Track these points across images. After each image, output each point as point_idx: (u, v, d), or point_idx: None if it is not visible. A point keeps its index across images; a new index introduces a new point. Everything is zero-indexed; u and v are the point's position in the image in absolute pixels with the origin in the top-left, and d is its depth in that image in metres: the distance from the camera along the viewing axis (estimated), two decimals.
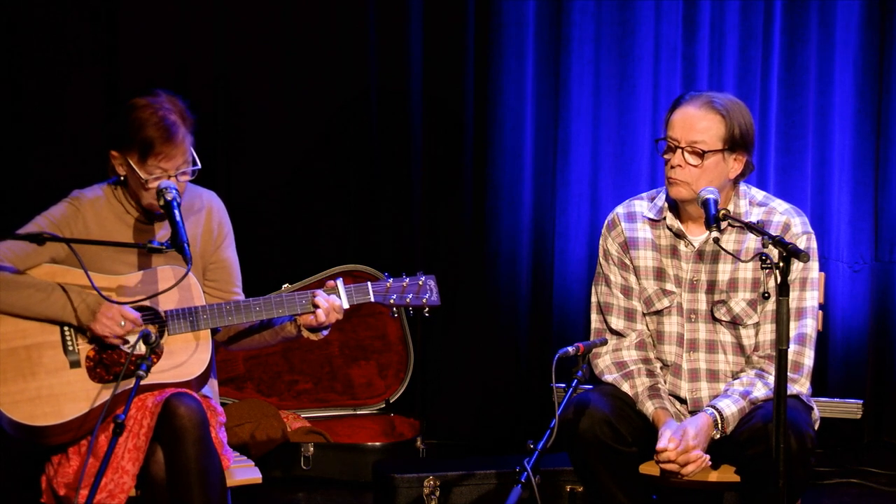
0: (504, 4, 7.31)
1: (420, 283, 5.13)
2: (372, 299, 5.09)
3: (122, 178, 5.03)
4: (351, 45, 7.38)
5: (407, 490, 6.20)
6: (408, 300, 5.12)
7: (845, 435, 7.19)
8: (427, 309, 5.15)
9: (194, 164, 5.01)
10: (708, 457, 4.89)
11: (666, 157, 5.05)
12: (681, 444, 4.85)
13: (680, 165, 5.00)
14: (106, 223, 5.05)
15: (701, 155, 4.97)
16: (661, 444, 4.87)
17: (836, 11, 7.14)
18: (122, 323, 4.89)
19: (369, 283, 5.10)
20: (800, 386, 5.05)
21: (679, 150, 5.00)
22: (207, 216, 5.14)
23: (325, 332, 5.10)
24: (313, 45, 7.37)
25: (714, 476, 5.02)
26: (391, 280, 5.12)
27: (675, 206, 5.16)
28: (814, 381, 5.21)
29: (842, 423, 6.68)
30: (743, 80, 7.19)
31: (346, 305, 5.06)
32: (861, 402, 6.58)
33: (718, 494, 5.51)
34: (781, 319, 4.48)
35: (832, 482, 6.90)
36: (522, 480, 4.50)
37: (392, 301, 5.10)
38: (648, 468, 5.03)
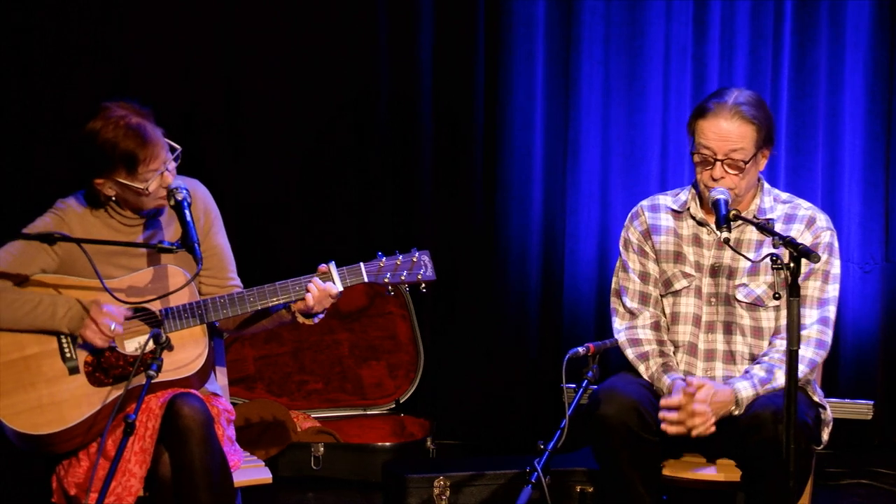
0: (514, 5, 7.31)
1: (414, 259, 5.07)
2: (365, 279, 5.02)
3: (112, 198, 5.01)
4: (361, 45, 7.38)
5: (417, 490, 6.20)
6: (402, 277, 5.04)
7: (856, 436, 7.18)
8: (423, 285, 5.07)
9: (173, 150, 4.99)
10: (713, 419, 4.90)
11: (700, 168, 5.10)
12: (689, 390, 4.89)
13: (722, 177, 5.06)
14: (93, 230, 5.03)
15: (742, 167, 5.03)
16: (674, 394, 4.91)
17: (847, 12, 7.14)
18: (113, 326, 4.88)
19: (362, 264, 5.03)
20: (821, 359, 5.11)
21: (718, 163, 5.05)
22: (192, 204, 5.07)
23: (319, 318, 5.06)
24: (323, 46, 7.36)
25: (719, 475, 5.03)
26: (384, 258, 5.05)
27: (700, 199, 5.21)
28: (824, 381, 5.23)
29: (852, 424, 6.65)
30: (753, 80, 7.19)
31: (340, 288, 5.00)
32: (872, 402, 6.56)
33: (729, 495, 5.50)
34: (792, 321, 4.47)
35: (843, 483, 6.89)
36: (533, 481, 4.51)
37: (386, 280, 5.03)
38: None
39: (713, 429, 4.92)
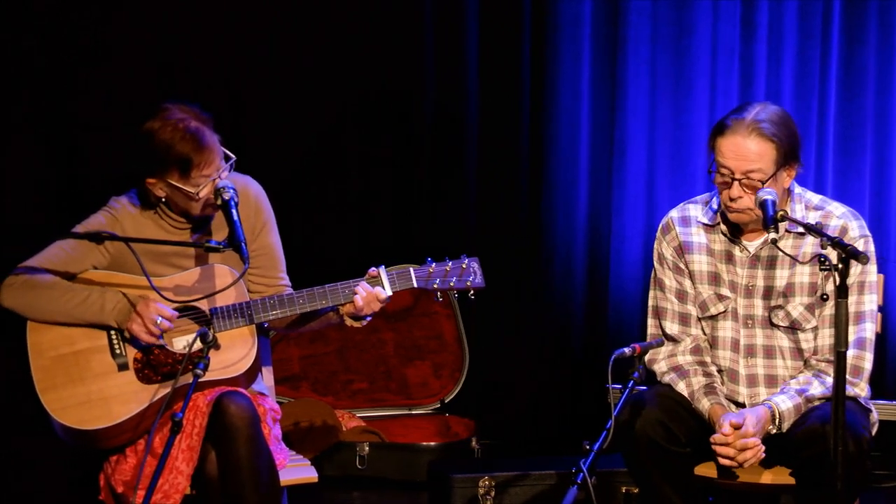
0: (560, 5, 7.31)
1: (463, 265, 5.07)
2: (415, 284, 5.03)
3: (162, 199, 5.03)
4: (407, 46, 7.39)
5: (462, 490, 6.20)
6: (451, 283, 5.04)
7: None
8: (472, 291, 5.08)
9: (227, 158, 5.00)
10: (763, 447, 4.87)
11: (721, 187, 5.01)
12: (741, 427, 4.85)
13: (740, 196, 4.96)
14: (145, 229, 5.05)
15: (759, 187, 4.92)
16: (721, 430, 4.86)
17: None
18: (159, 321, 4.90)
19: (411, 269, 5.04)
20: (859, 389, 5.03)
21: (735, 183, 4.95)
22: (244, 202, 5.08)
23: (367, 320, 5.07)
24: (368, 45, 7.36)
25: (769, 478, 5.01)
26: (434, 264, 5.06)
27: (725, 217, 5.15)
28: (872, 383, 5.18)
29: None
30: (801, 81, 7.16)
31: (389, 292, 5.01)
32: None
33: (775, 497, 5.48)
34: (840, 321, 4.44)
35: (890, 485, 6.85)
36: (578, 481, 4.49)
37: (435, 286, 5.04)
38: (704, 470, 5.02)
39: (763, 455, 4.90)
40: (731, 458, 4.85)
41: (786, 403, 4.95)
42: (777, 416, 4.94)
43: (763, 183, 4.91)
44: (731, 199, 4.97)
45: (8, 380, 6.42)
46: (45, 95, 7.08)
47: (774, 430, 4.95)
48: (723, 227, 5.14)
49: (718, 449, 4.87)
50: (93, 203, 5.16)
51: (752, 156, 4.92)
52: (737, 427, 4.85)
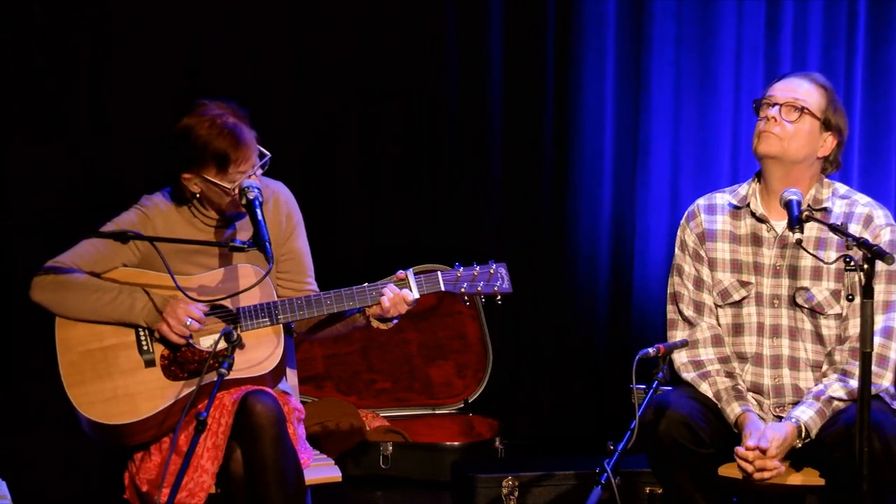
0: (585, 4, 7.31)
1: (491, 270, 5.10)
2: (442, 288, 5.06)
3: (196, 195, 5.05)
4: (430, 46, 7.39)
5: (485, 490, 6.20)
6: (479, 288, 5.07)
7: None
8: (499, 297, 5.10)
9: (262, 156, 5.03)
10: (783, 468, 4.87)
11: (761, 114, 5.08)
12: (763, 446, 4.85)
13: (775, 119, 5.03)
14: (176, 227, 5.08)
15: (800, 110, 5.02)
16: (745, 446, 4.87)
17: None
18: (188, 322, 4.92)
19: (439, 273, 5.07)
20: (886, 380, 5.03)
21: (777, 107, 5.04)
22: (275, 207, 5.12)
23: (394, 322, 5.10)
24: (390, 46, 7.37)
25: (798, 479, 4.99)
26: (461, 269, 5.08)
27: (760, 194, 5.15)
28: None
29: None
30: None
31: (416, 295, 5.04)
32: None
33: (801, 497, 5.47)
34: (865, 322, 4.44)
35: None
36: (602, 482, 4.49)
37: (463, 290, 5.06)
38: (728, 471, 5.01)
39: (782, 472, 4.91)
40: (751, 473, 4.87)
41: (807, 413, 4.94)
42: (803, 429, 4.93)
43: (801, 110, 4.99)
44: (766, 120, 5.04)
45: (33, 376, 6.46)
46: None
47: (800, 444, 4.94)
48: (752, 207, 5.16)
49: (741, 463, 4.88)
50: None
51: (800, 91, 5.06)
52: (762, 451, 4.85)
